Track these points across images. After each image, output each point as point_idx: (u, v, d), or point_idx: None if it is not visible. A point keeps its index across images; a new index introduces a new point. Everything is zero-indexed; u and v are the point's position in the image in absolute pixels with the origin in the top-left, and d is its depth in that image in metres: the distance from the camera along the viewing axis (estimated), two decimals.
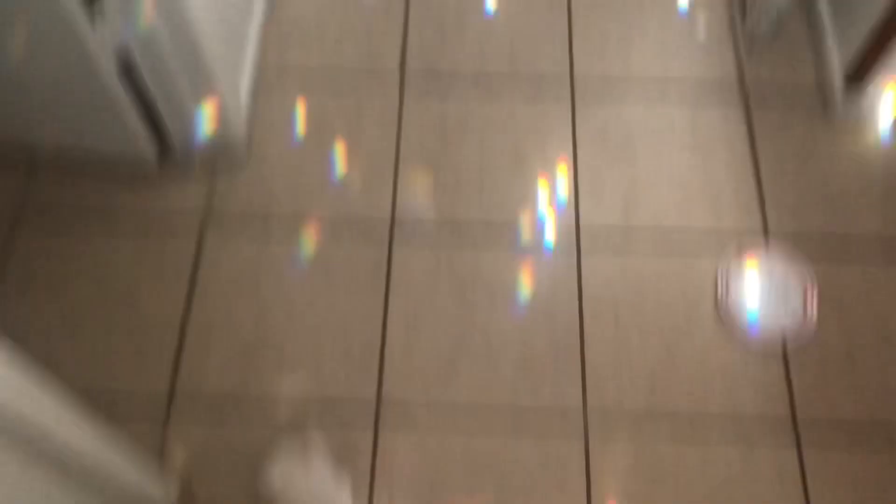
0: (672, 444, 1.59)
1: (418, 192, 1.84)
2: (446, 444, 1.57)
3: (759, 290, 1.73)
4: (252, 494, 1.51)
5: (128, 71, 1.60)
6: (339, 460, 1.53)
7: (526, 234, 1.79)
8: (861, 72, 1.83)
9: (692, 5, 2.08)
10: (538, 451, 1.57)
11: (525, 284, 1.73)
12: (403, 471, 1.55)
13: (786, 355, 1.67)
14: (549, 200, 1.83)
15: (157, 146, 1.82)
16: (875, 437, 1.60)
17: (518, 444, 1.58)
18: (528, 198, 1.83)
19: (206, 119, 1.75)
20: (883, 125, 1.91)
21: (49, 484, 1.00)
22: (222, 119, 1.76)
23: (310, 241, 1.78)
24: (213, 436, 1.57)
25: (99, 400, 1.59)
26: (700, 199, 1.83)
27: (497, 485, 1.54)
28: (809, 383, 1.64)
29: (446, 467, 1.55)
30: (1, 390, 0.84)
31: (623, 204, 1.82)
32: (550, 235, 1.79)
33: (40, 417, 0.94)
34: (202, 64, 1.61)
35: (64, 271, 1.72)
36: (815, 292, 1.70)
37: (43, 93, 1.65)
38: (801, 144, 1.89)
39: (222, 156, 1.86)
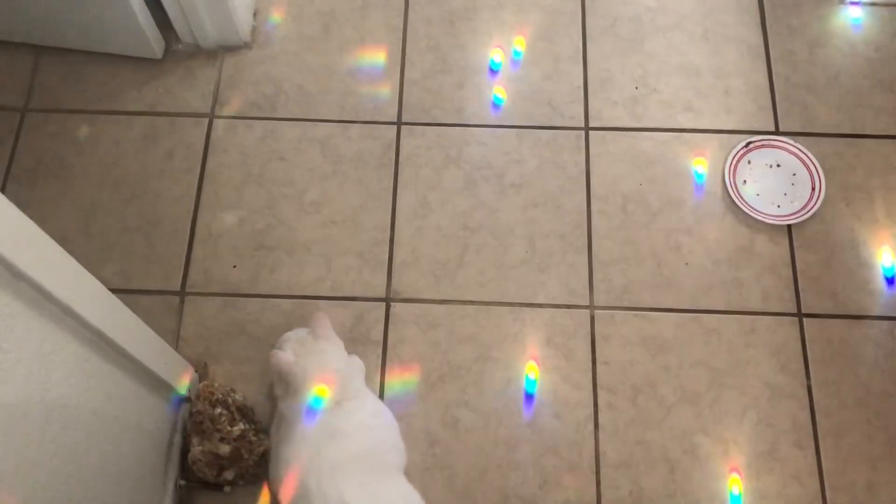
0: (676, 318, 1.62)
1: (425, 84, 1.83)
2: (455, 333, 1.60)
3: (767, 176, 1.73)
4: (266, 373, 1.55)
5: None
6: (351, 346, 1.56)
7: (533, 125, 1.79)
8: None
9: None
10: (545, 332, 1.61)
11: (533, 177, 1.74)
12: (414, 357, 1.58)
13: (791, 238, 1.68)
14: (557, 92, 1.82)
15: (163, 41, 1.82)
16: (875, 310, 1.62)
17: (525, 329, 1.61)
18: (537, 90, 1.82)
19: (211, 12, 1.73)
20: None
21: (77, 356, 1.03)
22: (227, 11, 1.74)
23: (317, 130, 1.78)
24: (228, 324, 1.60)
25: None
26: (711, 89, 1.82)
27: (505, 365, 1.58)
28: (813, 262, 1.66)
29: (456, 355, 1.59)
30: (35, 267, 0.87)
31: (632, 95, 1.81)
32: (559, 126, 1.79)
33: (71, 295, 0.96)
34: None
35: (74, 167, 1.73)
36: (823, 178, 1.70)
37: None
38: (814, 35, 1.87)
39: (227, 48, 1.85)
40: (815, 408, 1.55)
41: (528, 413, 1.54)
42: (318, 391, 1.31)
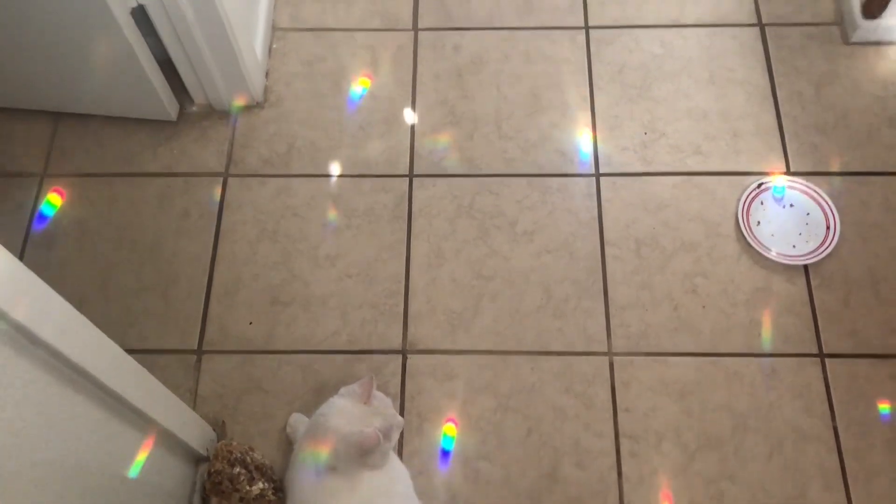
0: (696, 362, 1.60)
1: (436, 136, 1.85)
2: (473, 383, 1.59)
3: (780, 217, 1.72)
4: (284, 430, 1.54)
5: (147, 33, 1.64)
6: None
7: (544, 173, 1.80)
8: (880, 0, 1.81)
9: None
10: (564, 381, 1.59)
11: (546, 224, 1.74)
12: (432, 411, 1.57)
13: (808, 277, 1.67)
14: (567, 140, 1.83)
15: (177, 103, 1.85)
16: None
17: (543, 377, 1.60)
18: (546, 138, 1.84)
19: (223, 74, 1.77)
20: None
21: (96, 419, 1.03)
22: (239, 73, 1.78)
23: (330, 185, 1.80)
24: (245, 381, 1.60)
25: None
26: (719, 133, 1.83)
27: (525, 415, 1.56)
28: (832, 301, 1.65)
29: (474, 406, 1.58)
30: (50, 331, 0.87)
31: (641, 140, 1.82)
32: (569, 173, 1.80)
33: (88, 358, 0.97)
34: (219, 21, 1.62)
35: (91, 229, 1.75)
36: (837, 216, 1.70)
37: (67, 61, 1.68)
38: (820, 76, 1.88)
39: (240, 109, 1.88)
40: (843, 450, 1.52)
41: (549, 463, 1.52)
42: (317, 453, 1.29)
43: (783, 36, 1.94)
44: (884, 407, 1.55)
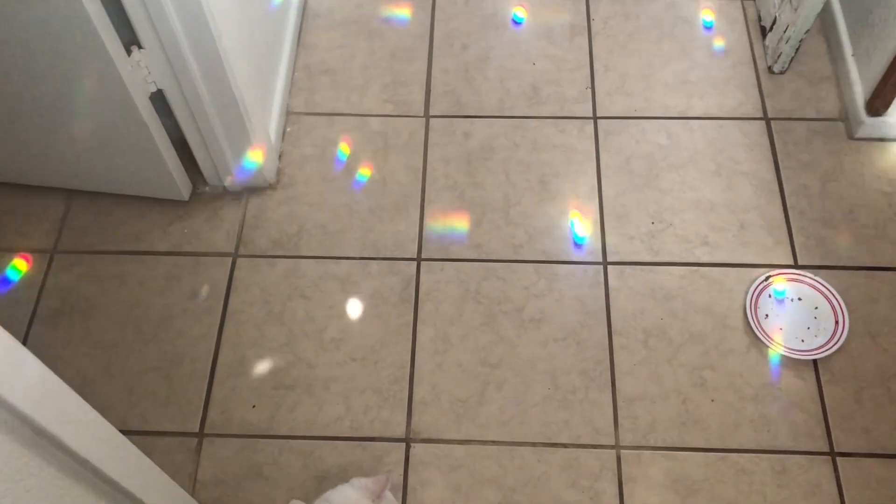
0: (704, 458, 1.57)
1: (444, 221, 1.86)
2: (477, 475, 1.56)
3: (789, 311, 1.72)
4: None
5: (164, 114, 1.68)
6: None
7: (552, 260, 1.81)
8: (884, 98, 1.85)
9: (710, 38, 2.12)
10: (570, 475, 1.56)
11: (553, 312, 1.74)
12: (435, 503, 1.54)
13: (818, 373, 1.65)
14: (574, 229, 1.85)
15: (190, 184, 1.88)
16: None
17: (549, 471, 1.57)
18: (554, 227, 1.85)
19: (237, 158, 1.80)
20: None
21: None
22: (253, 158, 1.81)
23: (338, 267, 1.80)
24: (245, 467, 1.57)
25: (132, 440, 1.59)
26: (727, 224, 1.84)
27: None
28: (843, 398, 1.62)
29: (478, 498, 1.54)
30: (47, 417, 0.86)
31: (649, 230, 1.83)
32: (577, 261, 1.80)
33: (90, 447, 0.95)
34: (235, 107, 1.66)
35: (98, 307, 1.75)
36: (846, 311, 1.69)
37: (83, 141, 1.71)
38: (826, 170, 1.90)
39: (252, 191, 1.90)
40: None
41: None
42: None
43: (789, 130, 1.97)
44: None
